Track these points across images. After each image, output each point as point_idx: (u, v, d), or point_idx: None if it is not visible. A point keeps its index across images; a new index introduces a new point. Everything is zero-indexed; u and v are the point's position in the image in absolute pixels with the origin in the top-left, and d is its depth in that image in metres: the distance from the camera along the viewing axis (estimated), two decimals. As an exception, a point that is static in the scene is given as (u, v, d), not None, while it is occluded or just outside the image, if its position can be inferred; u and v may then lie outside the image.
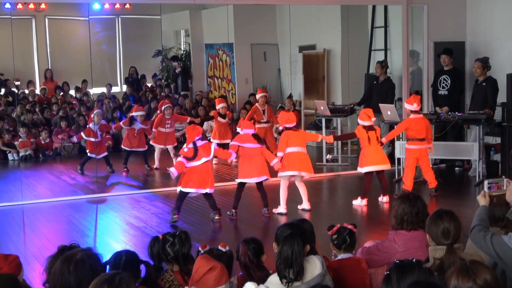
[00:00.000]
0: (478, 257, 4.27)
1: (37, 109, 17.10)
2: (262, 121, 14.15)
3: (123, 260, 4.27)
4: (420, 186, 11.20)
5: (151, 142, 13.91)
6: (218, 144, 13.95)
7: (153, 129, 13.62)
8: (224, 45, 18.49)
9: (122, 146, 13.90)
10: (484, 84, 11.95)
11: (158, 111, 13.90)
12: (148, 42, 19.86)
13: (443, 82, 12.69)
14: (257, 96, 14.38)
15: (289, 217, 9.23)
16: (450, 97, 12.65)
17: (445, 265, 4.12)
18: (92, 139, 13.07)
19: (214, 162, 14.18)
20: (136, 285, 3.60)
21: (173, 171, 9.15)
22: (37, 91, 18.44)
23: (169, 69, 19.63)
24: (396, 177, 11.95)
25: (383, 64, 13.81)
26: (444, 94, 12.72)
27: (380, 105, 12.38)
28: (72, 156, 15.45)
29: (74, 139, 14.16)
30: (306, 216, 9.45)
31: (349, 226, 5.16)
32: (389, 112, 11.92)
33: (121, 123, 13.87)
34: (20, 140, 15.63)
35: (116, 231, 9.25)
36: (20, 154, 15.51)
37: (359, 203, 10.14)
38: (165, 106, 13.77)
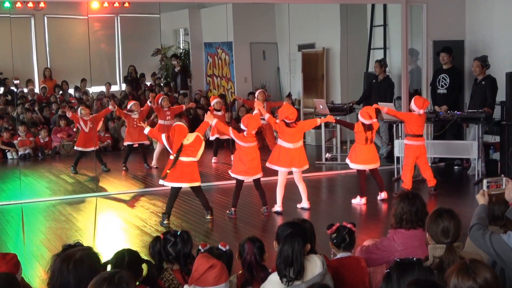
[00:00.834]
0: (477, 255, 4.27)
1: (36, 108, 17.09)
2: (261, 117, 14.13)
3: (126, 259, 4.26)
4: (419, 185, 11.20)
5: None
6: (218, 139, 14.00)
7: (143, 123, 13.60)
8: (223, 44, 18.48)
9: (124, 143, 13.89)
10: (483, 82, 11.95)
11: (148, 103, 13.74)
12: (147, 40, 19.83)
13: (442, 81, 12.69)
14: (256, 93, 14.38)
15: (287, 216, 9.22)
16: (449, 95, 12.65)
17: (445, 264, 4.12)
18: (83, 125, 13.04)
19: (213, 161, 14.18)
20: (135, 284, 3.59)
21: (146, 131, 9.25)
22: (36, 90, 18.43)
23: (168, 68, 19.61)
24: (395, 175, 11.95)
25: (382, 63, 13.81)
26: (443, 93, 12.72)
27: (379, 103, 12.35)
28: (71, 155, 15.41)
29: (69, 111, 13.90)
30: (305, 215, 9.45)
31: (348, 225, 5.15)
32: (382, 112, 11.89)
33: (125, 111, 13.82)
34: (19, 139, 15.61)
35: (115, 230, 9.24)
36: (19, 153, 15.49)
37: (358, 201, 10.14)
38: (162, 98, 13.79)
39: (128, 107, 13.57)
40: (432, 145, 11.80)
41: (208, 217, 9.28)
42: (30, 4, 14.38)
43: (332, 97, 16.49)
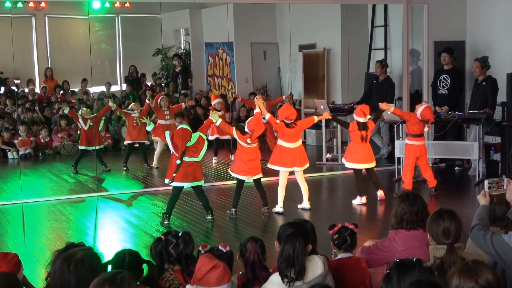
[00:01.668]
0: (478, 256, 4.27)
1: (36, 108, 17.09)
2: (262, 116, 14.13)
3: (127, 259, 4.25)
4: (420, 186, 11.20)
5: (152, 138, 13.93)
6: (218, 140, 13.99)
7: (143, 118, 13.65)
8: (224, 44, 18.48)
9: (125, 142, 13.89)
10: (483, 83, 11.95)
11: (147, 101, 13.75)
12: (148, 41, 19.83)
13: (443, 82, 12.69)
14: (255, 99, 14.40)
15: (288, 216, 9.22)
16: (450, 96, 12.64)
17: (446, 265, 4.12)
18: (82, 123, 13.03)
19: (214, 161, 14.18)
20: (137, 285, 3.59)
21: (150, 126, 9.22)
22: (37, 90, 18.43)
23: (169, 68, 19.61)
24: (396, 176, 11.95)
25: (383, 63, 13.80)
26: (444, 93, 12.71)
27: (380, 104, 12.34)
28: (71, 154, 15.41)
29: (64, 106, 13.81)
30: (306, 215, 9.45)
31: (351, 226, 5.15)
32: (389, 112, 11.88)
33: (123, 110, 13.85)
34: (19, 138, 15.61)
35: (116, 230, 9.24)
36: (20, 153, 15.49)
37: (359, 201, 10.14)
38: (161, 97, 13.80)
39: (129, 107, 13.57)
40: (432, 145, 11.80)
41: (209, 217, 9.28)
42: (31, 4, 14.39)
43: (333, 97, 16.48)
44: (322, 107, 13.84)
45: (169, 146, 9.20)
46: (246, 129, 9.31)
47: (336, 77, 16.66)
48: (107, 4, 14.02)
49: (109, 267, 4.11)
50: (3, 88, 17.89)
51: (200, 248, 4.73)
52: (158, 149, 13.94)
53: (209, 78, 19.57)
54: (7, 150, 15.62)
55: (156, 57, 19.78)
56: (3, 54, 15.68)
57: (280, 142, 9.65)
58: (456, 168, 12.81)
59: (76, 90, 18.69)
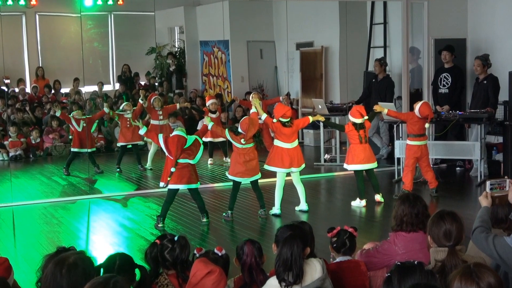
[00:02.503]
0: (480, 259, 4.27)
1: (27, 108, 17.06)
2: (258, 117, 14.14)
3: (117, 263, 4.25)
4: (421, 187, 11.21)
5: (145, 138, 13.88)
6: (212, 143, 13.99)
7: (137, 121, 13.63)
8: (220, 42, 18.48)
9: (118, 144, 13.87)
10: (485, 82, 11.96)
11: (140, 101, 13.75)
12: (141, 39, 19.81)
13: (444, 80, 12.70)
14: (251, 96, 14.44)
15: (285, 219, 9.23)
16: (450, 95, 12.66)
17: (447, 268, 4.12)
18: (75, 124, 13.01)
19: (209, 162, 14.18)
20: (130, 289, 3.59)
21: (142, 132, 9.28)
22: (28, 90, 18.40)
23: (163, 67, 19.60)
24: (396, 177, 11.96)
25: (382, 62, 13.81)
26: (444, 92, 12.73)
27: (379, 103, 12.35)
28: (63, 156, 15.39)
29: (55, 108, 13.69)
30: (304, 217, 9.45)
31: (350, 229, 5.14)
32: (382, 114, 11.89)
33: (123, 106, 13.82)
34: (10, 140, 15.58)
35: (109, 233, 9.23)
36: (10, 154, 15.46)
37: (358, 203, 10.14)
38: (154, 98, 13.80)
39: (121, 107, 13.51)
40: (433, 146, 11.82)
41: (204, 220, 9.28)
42: (22, 1, 14.35)
43: (331, 96, 16.49)
44: (320, 106, 13.85)
45: (163, 148, 9.20)
46: (239, 130, 9.30)
47: (334, 76, 16.67)
48: (99, 2, 14.03)
49: (101, 271, 4.11)
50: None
51: (195, 252, 4.73)
52: (152, 149, 13.93)
53: (204, 77, 19.57)
54: (-3, 152, 15.61)
55: (150, 55, 19.75)
56: (-7, 53, 15.66)
57: (277, 142, 9.65)
58: (457, 168, 12.83)
59: (68, 90, 18.67)
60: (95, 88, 18.72)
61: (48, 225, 9.66)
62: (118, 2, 15.45)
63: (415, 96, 13.37)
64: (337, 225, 5.27)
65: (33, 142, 15.91)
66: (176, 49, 20.23)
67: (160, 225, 9.10)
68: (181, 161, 8.94)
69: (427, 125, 10.41)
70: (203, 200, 9.44)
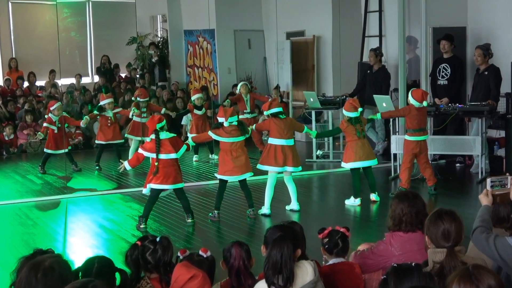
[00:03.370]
0: (481, 260, 4.29)
1: None
2: (245, 111, 14.18)
3: (96, 267, 4.25)
4: (418, 184, 11.24)
5: (126, 135, 13.88)
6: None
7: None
8: (205, 32, 18.46)
9: (96, 141, 13.82)
10: (486, 73, 12.00)
11: (131, 116, 13.77)
12: (121, 28, 19.80)
13: (443, 71, 12.74)
14: (238, 86, 14.47)
15: (275, 219, 9.24)
16: (450, 87, 12.69)
17: (445, 270, 4.14)
18: (54, 127, 12.95)
19: (194, 159, 14.18)
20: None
21: (125, 164, 9.14)
22: (0, 82, 18.34)
23: (144, 58, 19.58)
24: (392, 174, 11.99)
25: (377, 52, 13.84)
26: (443, 84, 12.77)
27: (375, 96, 12.40)
28: (38, 153, 15.34)
29: (39, 136, 13.63)
30: (295, 217, 9.46)
31: (342, 229, 5.15)
32: (384, 104, 11.94)
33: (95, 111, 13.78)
34: (-19, 136, 15.54)
35: (87, 235, 9.22)
36: (-18, 152, 15.42)
37: (352, 202, 10.16)
38: (139, 88, 13.86)
39: (102, 103, 13.38)
40: (432, 140, 11.83)
41: (189, 220, 9.28)
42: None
43: (324, 89, 16.51)
44: (311, 99, 13.87)
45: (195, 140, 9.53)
46: (219, 120, 9.28)
47: (327, 67, 16.69)
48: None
49: (79, 275, 4.11)
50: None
51: (178, 254, 4.72)
52: (132, 146, 13.89)
53: (188, 69, 19.56)
54: (-33, 149, 15.56)
55: (131, 46, 19.74)
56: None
57: (271, 140, 9.63)
58: (457, 165, 12.87)
59: (43, 82, 18.62)
60: (72, 80, 18.69)
61: (22, 226, 9.63)
62: (97, -11, 15.42)
63: (413, 88, 13.39)
64: (330, 225, 5.28)
65: (6, 138, 15.85)
66: (159, 39, 20.21)
67: (142, 226, 9.09)
68: (163, 156, 8.92)
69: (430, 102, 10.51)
70: (188, 199, 9.43)
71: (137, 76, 19.38)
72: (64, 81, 18.30)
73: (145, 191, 9.20)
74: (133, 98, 13.97)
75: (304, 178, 12.19)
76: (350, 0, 15.96)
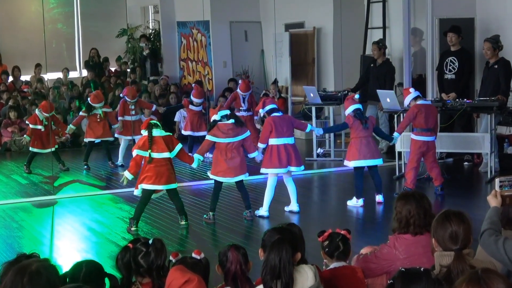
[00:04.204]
0: (490, 264, 4.30)
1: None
2: (241, 108, 14.19)
3: (84, 271, 4.25)
4: (424, 184, 11.26)
5: (116, 134, 13.88)
6: (192, 137, 14.00)
7: (119, 118, 13.58)
8: (199, 23, 18.46)
9: (85, 139, 13.80)
10: (495, 66, 12.01)
11: (122, 95, 13.82)
12: (111, 20, 19.79)
13: (450, 65, 12.75)
14: (239, 85, 14.46)
15: (273, 221, 9.24)
16: (457, 81, 12.71)
17: (453, 274, 4.14)
18: (39, 127, 12.94)
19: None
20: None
21: (126, 174, 9.10)
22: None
23: (135, 51, 19.57)
24: (397, 173, 12.00)
25: (381, 45, 13.84)
26: (451, 78, 12.78)
27: (378, 91, 12.41)
28: (24, 152, 15.31)
29: (25, 139, 13.57)
30: (294, 219, 9.47)
31: (342, 232, 5.16)
32: (388, 99, 11.96)
33: (80, 112, 13.78)
34: (-37, 133, 15.53)
35: (75, 238, 9.22)
36: (-36, 150, 15.42)
37: (355, 203, 10.17)
38: (127, 87, 13.85)
39: (93, 104, 13.35)
40: (438, 138, 11.81)
41: (183, 222, 9.28)
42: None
43: (324, 83, 16.52)
44: (312, 95, 13.87)
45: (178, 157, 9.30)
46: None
47: (328, 61, 16.70)
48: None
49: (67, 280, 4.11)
50: None
51: (170, 257, 4.72)
52: (122, 144, 13.90)
53: (182, 63, 19.55)
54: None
55: (121, 38, 19.74)
56: None
57: (272, 141, 9.61)
58: (465, 163, 12.88)
59: (29, 77, 18.60)
60: (59, 75, 18.68)
61: (6, 229, 9.62)
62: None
63: (418, 82, 13.41)
64: (330, 227, 5.28)
65: (-10, 136, 15.84)
66: (150, 30, 20.21)
67: (133, 229, 9.10)
68: (155, 155, 8.92)
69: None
70: (182, 200, 9.43)
71: (128, 70, 19.37)
72: (50, 76, 18.29)
73: (137, 192, 9.20)
74: (121, 95, 13.96)
75: (304, 178, 12.20)
76: (352, -11, 15.97)
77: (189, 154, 9.64)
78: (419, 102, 10.56)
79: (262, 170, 9.74)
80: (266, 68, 18.76)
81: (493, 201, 4.59)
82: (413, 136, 10.61)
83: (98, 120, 13.33)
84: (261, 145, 9.76)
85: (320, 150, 13.95)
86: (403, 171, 11.49)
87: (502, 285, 3.36)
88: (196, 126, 14.03)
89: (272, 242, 4.28)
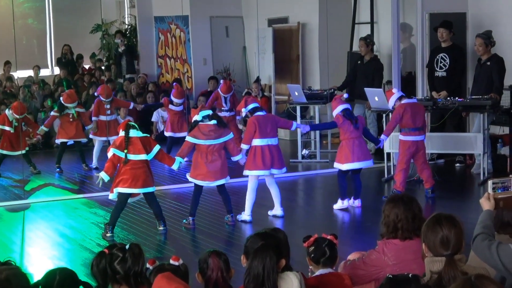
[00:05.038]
0: (484, 270, 4.31)
1: None
2: (223, 109, 14.17)
3: (57, 279, 4.23)
4: (414, 186, 11.29)
5: (91, 136, 13.84)
6: (172, 138, 13.98)
7: (93, 118, 13.54)
8: (178, 18, 18.43)
9: (57, 140, 13.74)
10: (488, 63, 12.06)
11: (96, 94, 13.79)
12: (84, 15, 19.71)
13: (441, 62, 12.79)
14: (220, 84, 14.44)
15: (256, 226, 9.25)
16: (449, 79, 12.74)
17: (444, 280, 4.15)
18: (7, 128, 12.87)
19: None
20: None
21: (102, 175, 9.07)
22: None
23: (110, 48, 19.51)
24: (386, 175, 12.02)
25: (369, 41, 13.87)
26: (441, 75, 12.81)
27: (366, 89, 12.43)
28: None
29: None
30: (278, 223, 9.48)
31: (329, 237, 5.16)
32: (376, 98, 11.98)
33: (52, 112, 13.73)
34: None
35: (47, 245, 9.19)
36: None
37: (341, 205, 10.16)
38: (101, 86, 13.83)
39: (66, 104, 13.30)
40: (429, 138, 11.86)
41: (161, 228, 9.26)
42: None
43: (310, 82, 16.53)
44: (296, 93, 13.88)
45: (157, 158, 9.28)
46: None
47: (313, 58, 16.71)
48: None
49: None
50: None
51: (148, 265, 4.71)
52: (96, 146, 13.86)
53: (159, 60, 19.52)
54: None
55: (95, 34, 19.66)
56: None
57: (256, 142, 9.60)
58: (457, 164, 12.92)
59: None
60: (30, 73, 18.58)
61: (-25, 236, 9.59)
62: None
63: (408, 80, 13.46)
64: (316, 232, 5.28)
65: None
66: (126, 26, 20.16)
67: (108, 235, 9.07)
68: (131, 157, 8.90)
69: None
70: (160, 205, 9.41)
71: (103, 67, 19.30)
72: (20, 74, 18.20)
73: (112, 196, 9.17)
74: (95, 94, 13.92)
75: (288, 180, 12.20)
76: (339, -17, 16.01)
77: (169, 155, 9.61)
78: (403, 101, 10.58)
79: (246, 172, 9.73)
80: (248, 65, 18.76)
81: (486, 204, 4.61)
82: (401, 137, 10.63)
83: (71, 120, 13.28)
84: (244, 147, 9.74)
85: (305, 152, 13.96)
86: (392, 173, 11.52)
87: (496, 291, 3.38)
88: (177, 127, 14.00)
89: (255, 249, 4.28)
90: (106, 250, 4.69)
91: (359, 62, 14.02)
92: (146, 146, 9.00)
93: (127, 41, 19.28)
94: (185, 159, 10.90)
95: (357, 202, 10.27)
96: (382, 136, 10.74)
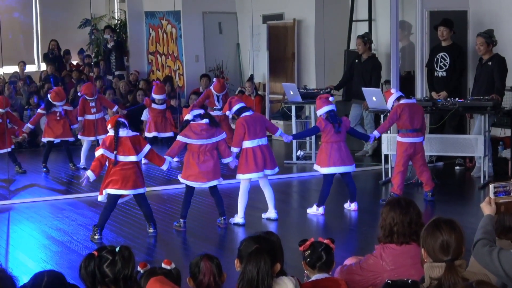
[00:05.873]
0: (484, 276, 4.33)
1: None
2: (216, 108, 14.17)
3: (45, 282, 4.23)
4: (413, 189, 11.31)
5: (79, 136, 13.83)
6: (156, 138, 13.93)
7: (79, 118, 13.52)
8: (169, 14, 18.43)
9: (43, 139, 13.72)
10: (489, 63, 12.07)
11: (80, 93, 13.77)
12: (73, 9, 19.66)
13: (441, 61, 12.81)
14: (213, 83, 14.40)
15: (250, 229, 9.25)
16: (449, 79, 12.76)
17: (444, 286, 4.16)
18: None
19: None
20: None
21: (89, 174, 9.06)
22: None
23: (99, 43, 19.49)
24: (383, 178, 12.04)
25: (366, 39, 13.88)
26: (441, 75, 12.83)
27: (363, 89, 12.44)
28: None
29: None
30: (272, 227, 9.49)
31: (325, 241, 5.17)
32: (374, 98, 11.99)
33: (39, 110, 13.71)
34: None
35: (33, 247, 9.17)
36: None
37: (315, 211, 10.12)
38: (85, 84, 13.84)
39: (53, 102, 13.29)
40: (428, 140, 11.88)
41: (151, 230, 9.26)
42: None
43: (305, 80, 16.54)
44: (291, 92, 13.88)
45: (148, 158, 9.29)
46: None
47: (309, 56, 16.72)
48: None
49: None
50: None
51: (138, 268, 4.71)
52: (84, 146, 13.84)
53: (150, 56, 19.51)
54: None
55: (84, 29, 19.62)
56: None
57: (246, 144, 9.59)
58: (457, 167, 12.94)
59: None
60: (15, 69, 18.55)
61: (-42, 237, 9.58)
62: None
63: (407, 80, 13.47)
64: (312, 236, 5.30)
65: None
66: (116, 21, 20.14)
67: (96, 237, 9.06)
68: (121, 158, 8.90)
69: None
70: (150, 206, 9.41)
71: (91, 64, 19.28)
72: (6, 70, 18.14)
73: (101, 197, 9.15)
74: (79, 93, 13.91)
75: (283, 182, 12.22)
76: (336, -21, 16.02)
77: (159, 155, 9.61)
78: (402, 101, 10.59)
79: (239, 176, 9.71)
80: (242, 63, 18.77)
81: (487, 208, 4.62)
82: (399, 138, 10.63)
83: (58, 118, 13.26)
84: (234, 150, 9.71)
85: (300, 153, 13.96)
86: (390, 175, 11.54)
87: (497, 299, 3.40)
88: (161, 127, 13.91)
89: (249, 253, 4.29)
90: (95, 252, 4.69)
91: (356, 60, 14.03)
92: (136, 146, 8.98)
93: (116, 36, 19.25)
94: (176, 159, 10.92)
95: (354, 206, 10.28)
96: (374, 132, 10.75)
